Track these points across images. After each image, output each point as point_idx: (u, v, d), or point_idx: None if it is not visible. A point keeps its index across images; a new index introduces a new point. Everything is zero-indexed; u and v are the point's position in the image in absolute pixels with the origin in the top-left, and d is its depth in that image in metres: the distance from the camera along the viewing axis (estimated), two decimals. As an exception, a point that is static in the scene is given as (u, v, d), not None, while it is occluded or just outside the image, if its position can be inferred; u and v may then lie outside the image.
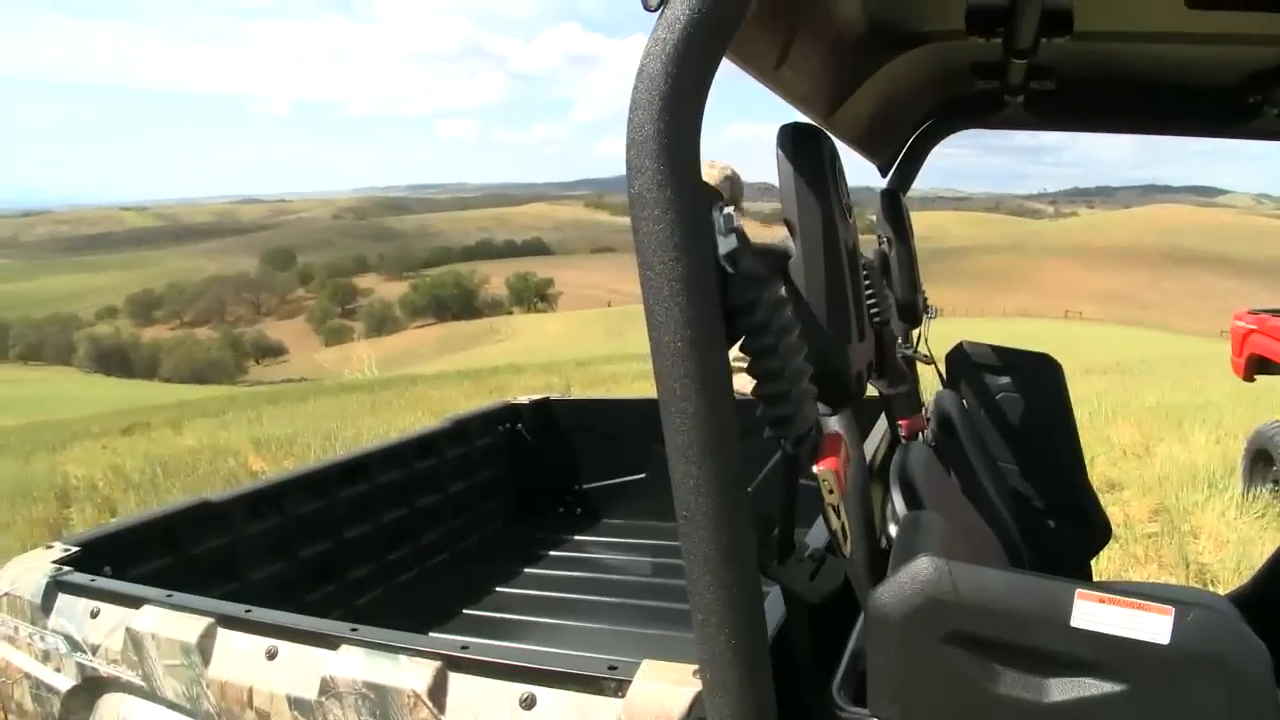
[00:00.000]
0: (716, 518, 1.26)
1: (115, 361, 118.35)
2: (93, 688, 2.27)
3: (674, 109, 1.21)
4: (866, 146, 2.99)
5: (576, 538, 4.00)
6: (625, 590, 3.41)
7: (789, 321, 1.41)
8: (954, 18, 2.10)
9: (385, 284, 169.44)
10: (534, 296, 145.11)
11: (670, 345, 1.23)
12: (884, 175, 3.32)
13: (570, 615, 3.20)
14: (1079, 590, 1.29)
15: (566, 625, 3.12)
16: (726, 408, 1.26)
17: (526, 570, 3.66)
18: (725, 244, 1.31)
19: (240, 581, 2.83)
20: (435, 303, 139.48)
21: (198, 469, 11.20)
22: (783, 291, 1.45)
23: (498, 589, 3.49)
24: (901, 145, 3.34)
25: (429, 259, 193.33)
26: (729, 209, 1.33)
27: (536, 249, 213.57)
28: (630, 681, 1.51)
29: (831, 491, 1.46)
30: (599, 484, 4.24)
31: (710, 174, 4.26)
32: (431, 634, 2.10)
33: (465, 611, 3.28)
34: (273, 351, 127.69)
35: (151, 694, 2.10)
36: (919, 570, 1.36)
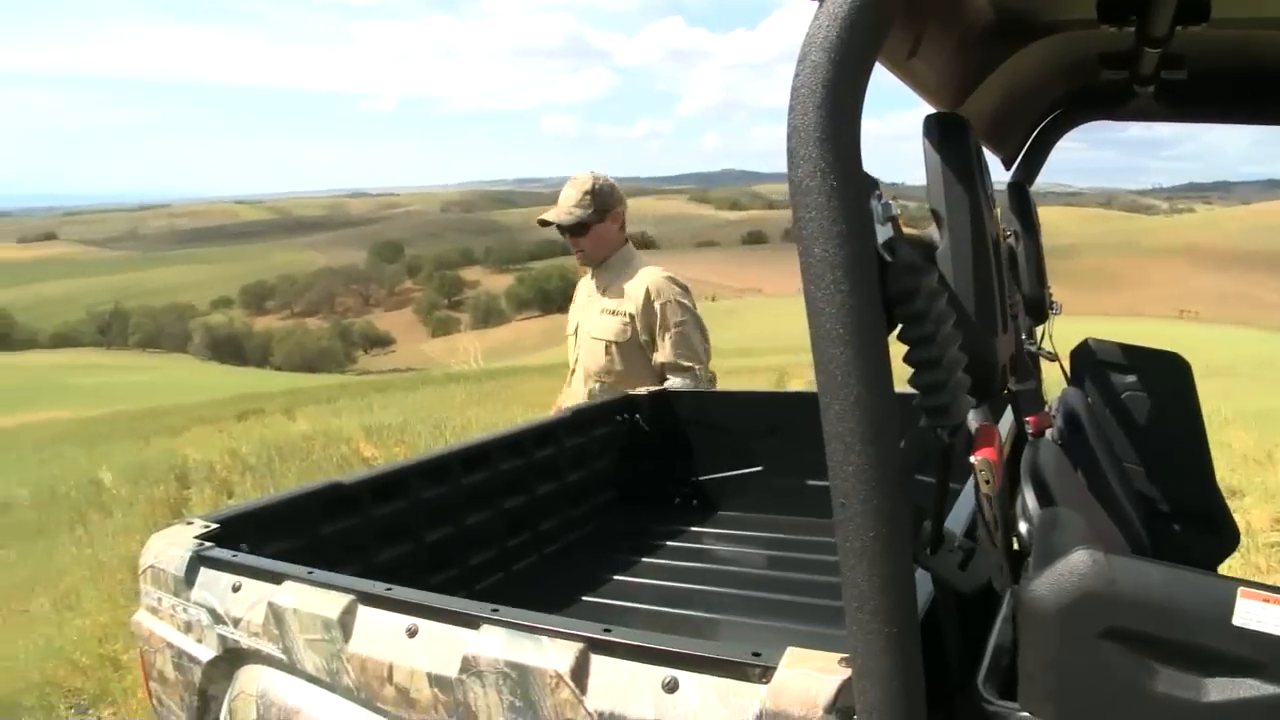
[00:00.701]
0: (874, 506, 1.26)
1: (229, 350, 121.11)
2: (233, 659, 2.33)
3: (836, 97, 1.21)
4: (991, 139, 2.95)
5: (691, 529, 3.99)
6: (741, 583, 3.40)
7: (945, 311, 1.41)
8: (1084, 6, 2.07)
9: (491, 276, 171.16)
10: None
11: (831, 332, 1.23)
12: (1007, 168, 3.28)
13: (687, 606, 3.20)
14: (1241, 588, 1.26)
15: (684, 615, 3.13)
16: (887, 396, 1.26)
17: (643, 560, 3.67)
18: (882, 232, 1.31)
19: (367, 563, 2.89)
20: (540, 295, 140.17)
21: (311, 454, 11.43)
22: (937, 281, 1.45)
23: (615, 578, 3.51)
24: (1026, 137, 3.29)
25: (534, 252, 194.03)
26: (888, 198, 1.33)
27: (640, 243, 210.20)
28: (774, 668, 1.50)
29: (988, 482, 1.45)
30: (714, 476, 4.24)
31: (572, 192, 4.58)
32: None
33: (584, 599, 3.30)
34: (381, 342, 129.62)
35: (291, 667, 2.16)
36: (1076, 563, 1.34)
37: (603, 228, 4.60)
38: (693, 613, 3.13)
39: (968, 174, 1.53)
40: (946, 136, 1.54)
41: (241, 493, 10.41)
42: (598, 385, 4.55)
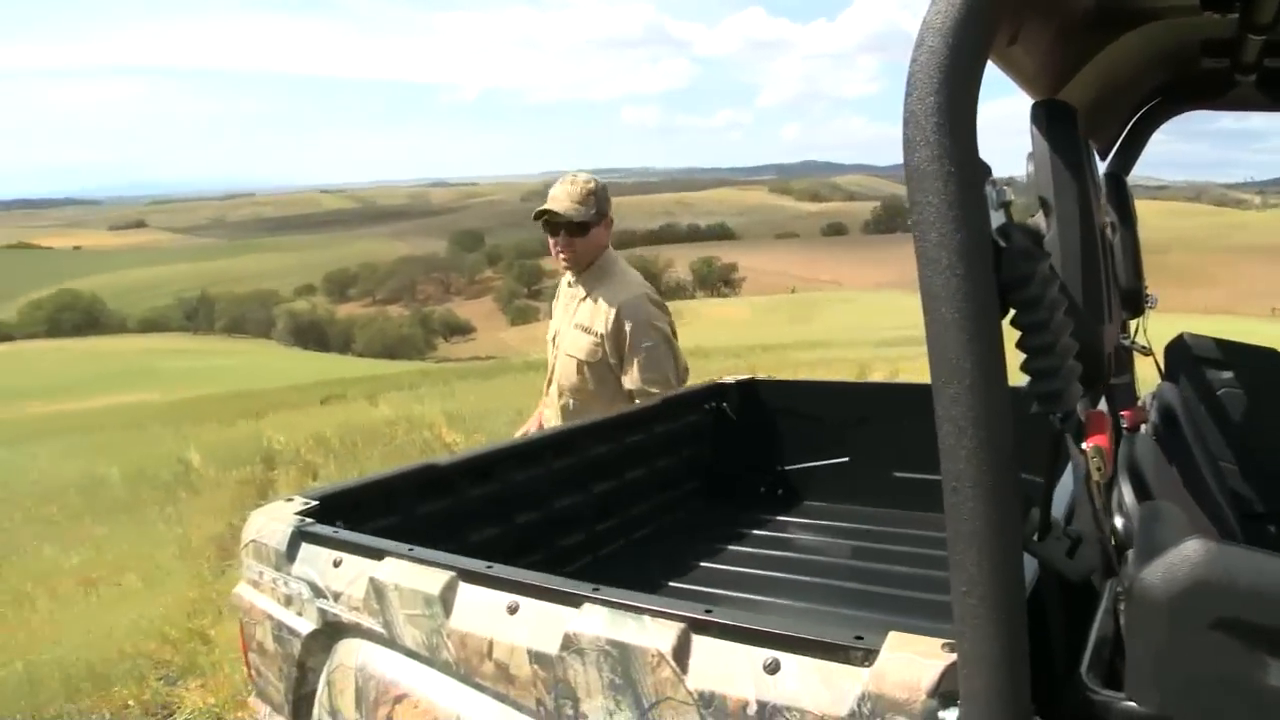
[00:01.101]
0: (986, 490, 1.25)
1: (312, 336, 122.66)
2: (332, 632, 2.38)
3: (954, 82, 1.21)
4: (1088, 128, 2.91)
5: (777, 519, 3.99)
6: (826, 573, 3.39)
7: (1058, 297, 1.40)
8: None
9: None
10: (717, 281, 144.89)
11: (947, 316, 1.23)
12: (1103, 158, 3.23)
13: (772, 595, 3.20)
14: None
15: (770, 604, 3.13)
16: (1001, 380, 1.25)
17: (729, 548, 3.67)
18: (996, 218, 1.31)
19: (458, 543, 2.92)
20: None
21: (394, 439, 11.57)
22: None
23: (702, 564, 3.52)
24: (1123, 127, 3.24)
25: (614, 242, 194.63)
26: (1003, 185, 1.33)
27: (720, 234, 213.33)
28: (877, 652, 1.49)
29: (1100, 469, 1.44)
30: (800, 466, 4.22)
31: (573, 189, 4.24)
32: None
33: (671, 584, 3.32)
34: (461, 330, 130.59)
35: (390, 641, 2.19)
36: (1189, 552, 1.32)
37: (598, 232, 4.32)
38: (778, 600, 3.14)
39: (1076, 162, 1.52)
40: (1055, 124, 1.53)
41: (325, 475, 10.56)
42: (571, 401, 4.29)
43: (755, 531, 3.84)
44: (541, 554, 3.33)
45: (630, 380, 4.13)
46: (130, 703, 5.12)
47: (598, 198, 4.26)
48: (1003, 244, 1.31)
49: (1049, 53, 2.03)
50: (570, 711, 1.82)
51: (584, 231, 4.24)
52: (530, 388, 16.96)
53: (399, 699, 2.16)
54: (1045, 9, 1.83)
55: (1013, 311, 1.37)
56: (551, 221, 4.25)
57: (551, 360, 4.45)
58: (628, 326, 4.11)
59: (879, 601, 3.06)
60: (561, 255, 4.30)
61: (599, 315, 4.17)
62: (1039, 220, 1.59)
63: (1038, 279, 1.35)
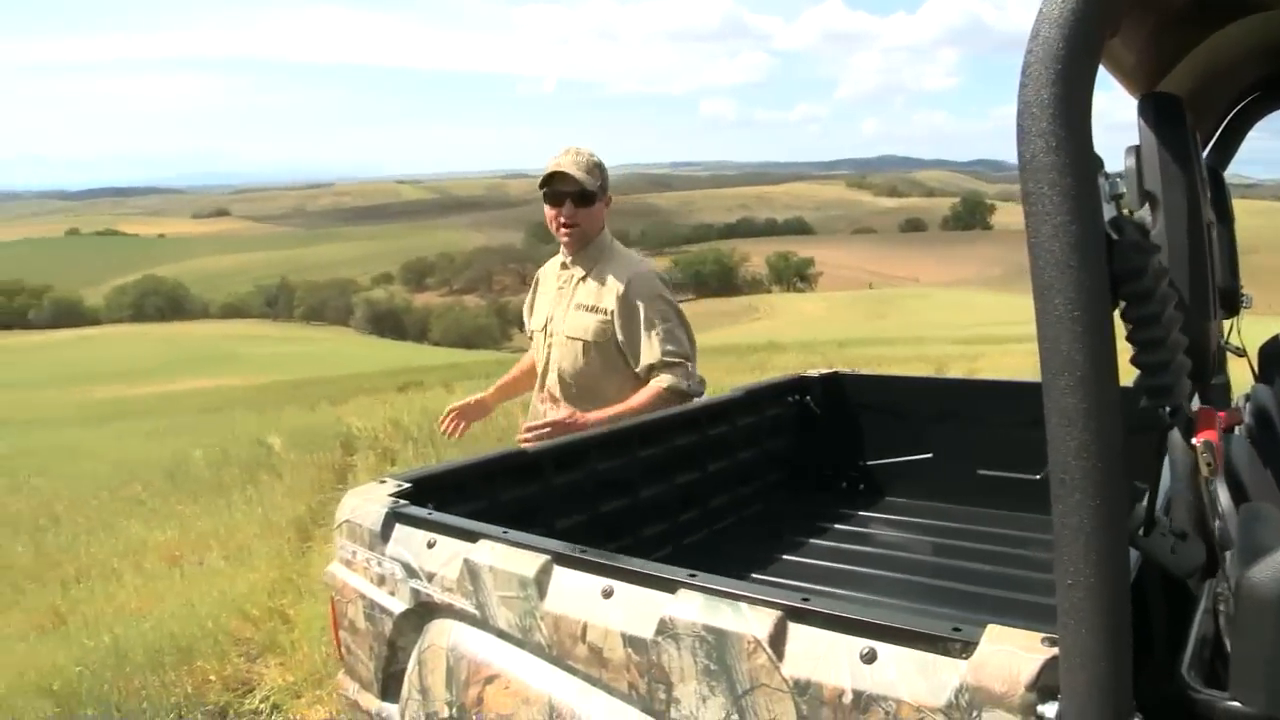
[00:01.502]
0: (1095, 483, 1.24)
1: (389, 324, 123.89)
2: (424, 612, 2.41)
3: (1070, 73, 1.21)
4: None
5: (858, 513, 3.97)
6: (908, 568, 3.37)
7: (1168, 292, 1.39)
8: None
9: (646, 258, 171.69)
10: (793, 276, 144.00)
11: (1059, 309, 1.22)
12: None
13: (855, 589, 3.19)
14: None
15: (853, 598, 3.12)
16: (1112, 373, 1.24)
17: (810, 541, 3.66)
18: (1107, 211, 1.30)
19: (546, 529, 2.95)
20: (695, 279, 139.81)
21: (472, 427, 11.63)
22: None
23: (784, 557, 3.51)
24: (1220, 122, 3.19)
25: (690, 235, 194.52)
26: (1115, 177, 1.32)
27: (797, 228, 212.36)
28: (975, 644, 1.49)
29: (1210, 465, 1.42)
30: (883, 461, 4.20)
31: (579, 158, 4.01)
32: None
33: (753, 576, 3.32)
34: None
35: (483, 622, 2.22)
36: None
37: (600, 208, 4.08)
38: (861, 595, 3.13)
39: (1185, 156, 1.51)
40: (1164, 117, 1.52)
41: (404, 461, 10.67)
42: (575, 388, 4.01)
43: (836, 526, 3.83)
44: (625, 542, 3.34)
45: (649, 355, 3.89)
46: (211, 677, 5.22)
47: (602, 171, 4.07)
48: (1115, 236, 1.31)
49: (1148, 46, 2.01)
50: (663, 696, 1.83)
51: (590, 203, 4.01)
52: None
53: (490, 679, 2.19)
54: (1148, 1, 1.81)
55: (1123, 305, 1.36)
56: (556, 190, 4.01)
57: (543, 350, 4.14)
58: (640, 302, 3.91)
59: (959, 599, 3.04)
60: (564, 227, 4.02)
61: (607, 292, 3.96)
62: (1144, 215, 1.57)
63: (1150, 272, 1.34)
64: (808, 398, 4.31)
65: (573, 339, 3.98)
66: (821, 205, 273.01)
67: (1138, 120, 1.58)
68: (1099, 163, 1.30)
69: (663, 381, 3.84)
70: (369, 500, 2.62)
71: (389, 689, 2.59)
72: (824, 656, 1.63)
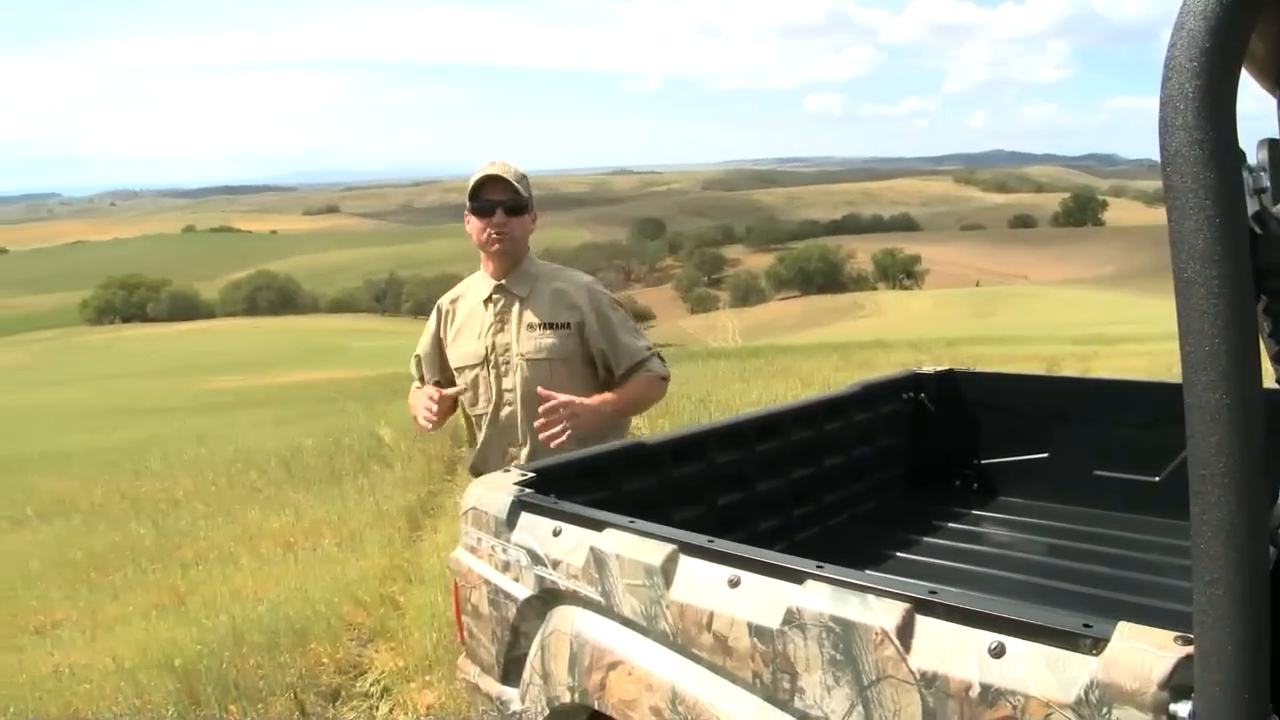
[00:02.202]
0: (1236, 480, 1.23)
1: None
2: (548, 598, 2.47)
3: (1215, 66, 1.20)
4: None
5: (972, 513, 3.93)
6: (1024, 569, 3.33)
7: None
8: None
9: (751, 255, 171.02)
10: (900, 273, 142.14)
11: (1202, 303, 1.22)
12: None
13: (971, 588, 3.18)
14: None
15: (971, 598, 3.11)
16: (1255, 369, 1.24)
17: (924, 540, 3.65)
18: (1250, 205, 1.30)
19: (664, 520, 2.98)
20: (800, 275, 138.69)
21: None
22: None
23: (897, 554, 3.50)
24: None
25: (795, 232, 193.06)
26: (1259, 171, 1.31)
27: (903, 224, 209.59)
28: (1107, 640, 1.49)
29: None
30: (998, 460, 4.16)
31: (508, 167, 3.75)
32: None
33: (868, 573, 3.31)
34: (641, 316, 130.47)
35: (608, 610, 2.26)
36: None
37: (528, 220, 3.83)
38: (975, 595, 3.11)
39: None
40: None
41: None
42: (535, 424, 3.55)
43: (950, 525, 3.81)
44: (738, 535, 3.36)
45: (632, 354, 3.72)
46: (324, 659, 5.32)
47: (529, 186, 3.81)
48: (1259, 231, 1.30)
49: (1281, 39, 1.97)
50: (787, 685, 1.85)
51: (521, 213, 3.76)
52: (714, 375, 17.04)
53: (613, 666, 2.23)
54: None
55: (1264, 299, 1.35)
56: (487, 201, 3.71)
57: (489, 385, 3.76)
58: (606, 309, 3.76)
59: (1076, 602, 3.00)
60: (497, 239, 3.71)
61: (562, 305, 3.73)
62: None
63: None
64: (922, 395, 4.28)
65: (535, 360, 3.69)
66: (928, 201, 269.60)
67: (1278, 112, 1.55)
68: (1242, 156, 1.29)
69: (652, 371, 3.74)
70: (495, 489, 2.68)
71: (510, 673, 2.65)
72: (952, 649, 1.64)
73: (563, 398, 3.46)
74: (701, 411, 11.35)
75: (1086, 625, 1.53)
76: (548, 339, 3.70)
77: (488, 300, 3.79)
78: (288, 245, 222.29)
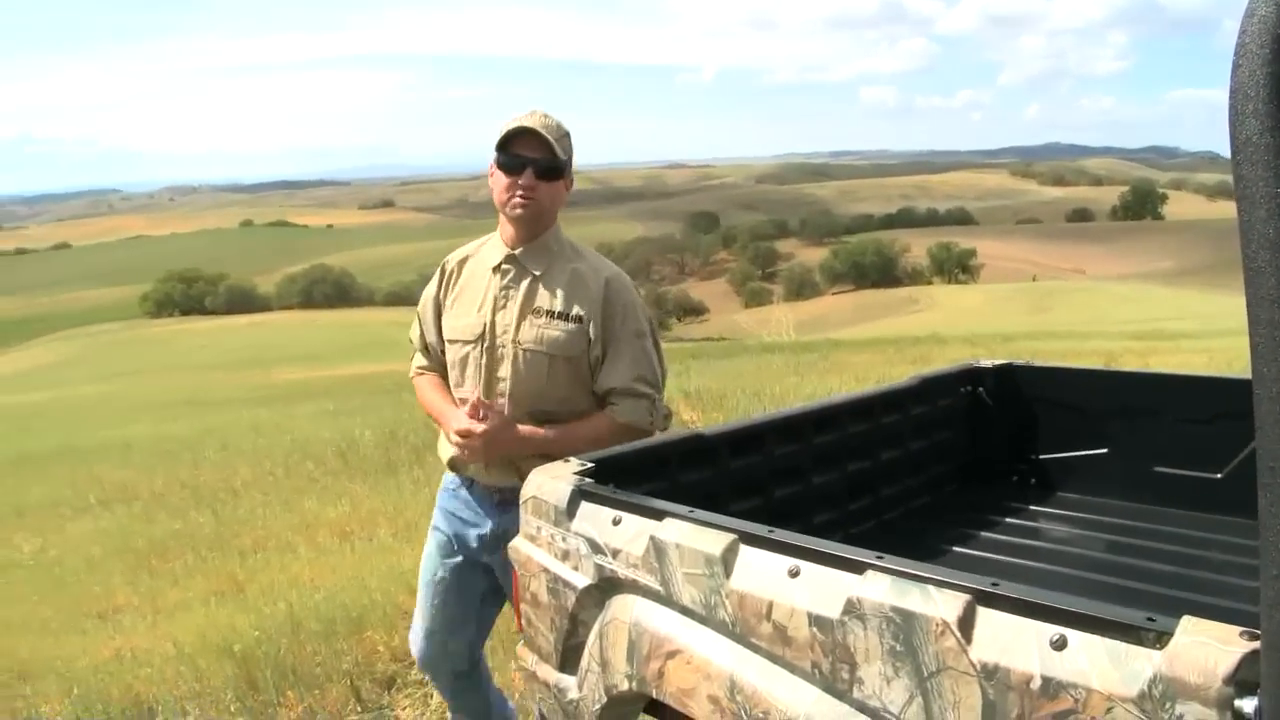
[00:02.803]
0: None
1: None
2: (607, 587, 2.48)
3: None
4: None
5: (1030, 508, 3.90)
6: (1082, 565, 3.29)
7: None
8: None
9: (805, 249, 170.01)
10: (955, 267, 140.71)
11: (1273, 291, 1.21)
12: None
13: (1029, 584, 3.16)
14: None
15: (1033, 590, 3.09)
16: None
17: (980, 535, 3.62)
18: None
19: (721, 511, 2.99)
20: (854, 269, 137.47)
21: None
22: None
23: (954, 549, 3.49)
24: None
25: (849, 226, 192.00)
26: None
27: (959, 218, 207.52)
28: (1170, 634, 1.48)
29: None
30: (1056, 456, 4.12)
31: (550, 122, 3.22)
32: None
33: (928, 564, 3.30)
34: (694, 310, 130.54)
35: (667, 598, 2.28)
36: None
37: (562, 187, 3.32)
38: (1036, 589, 3.09)
39: None
40: None
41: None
42: (530, 415, 3.23)
43: (1007, 520, 3.78)
44: (795, 527, 3.36)
45: (616, 376, 3.23)
46: (380, 647, 5.37)
47: (570, 145, 3.28)
48: None
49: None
50: (846, 675, 1.86)
51: (555, 177, 3.23)
52: (768, 369, 17.03)
53: (672, 654, 2.24)
54: None
55: None
56: (517, 156, 3.17)
57: (478, 365, 3.28)
58: (620, 309, 3.27)
59: (1135, 599, 2.97)
60: (521, 202, 3.19)
61: (577, 295, 3.23)
62: None
63: None
64: (980, 388, 4.24)
65: (535, 353, 3.20)
66: (984, 194, 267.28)
67: None
68: None
69: (621, 414, 3.23)
70: (555, 478, 2.70)
71: (568, 661, 2.67)
72: (1013, 641, 1.64)
73: (490, 416, 3.13)
74: (755, 405, 11.36)
75: (1150, 619, 1.53)
76: (553, 330, 3.20)
77: (497, 268, 3.29)
78: (344, 239, 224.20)
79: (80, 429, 23.07)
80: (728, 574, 2.10)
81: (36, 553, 9.98)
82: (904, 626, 1.76)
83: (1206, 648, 1.44)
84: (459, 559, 3.53)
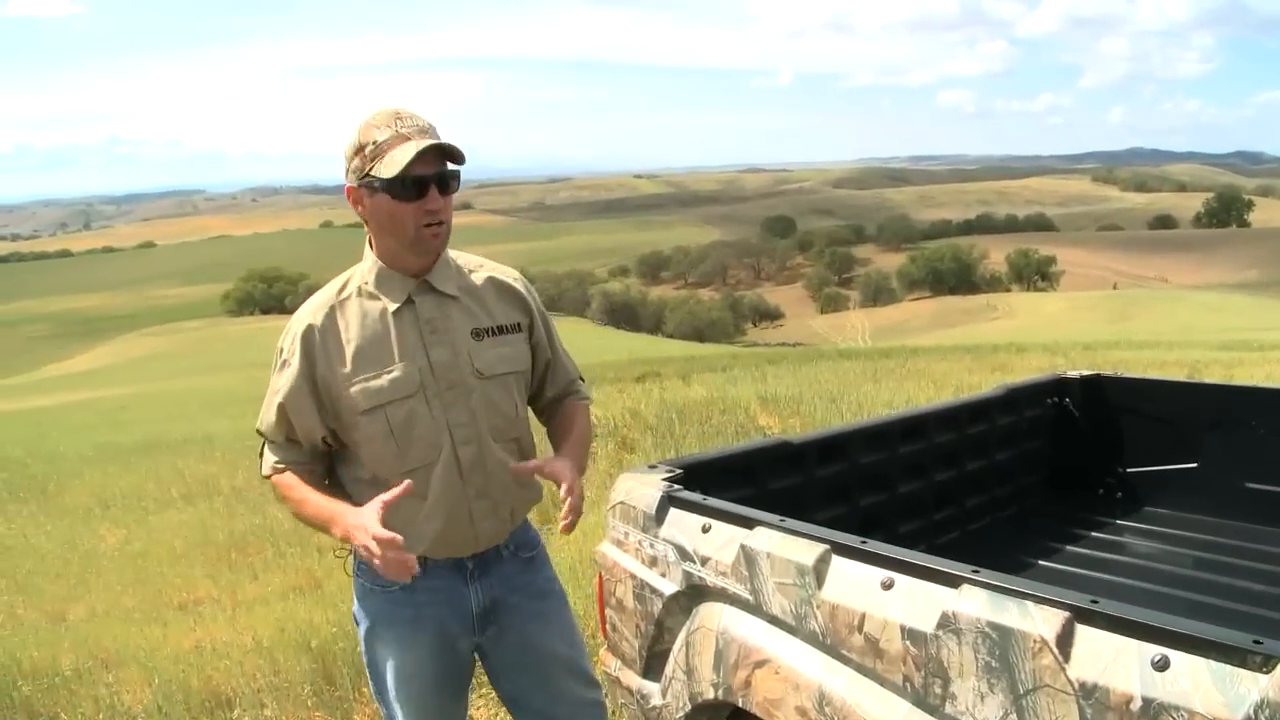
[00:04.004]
0: None
1: (624, 315, 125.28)
2: (695, 595, 2.48)
3: None
4: None
5: (1116, 522, 3.84)
6: (1171, 582, 3.23)
7: None
8: None
9: (882, 254, 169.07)
10: (1034, 274, 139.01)
11: None
12: None
13: (1120, 601, 3.11)
14: None
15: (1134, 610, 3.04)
16: None
17: (1065, 548, 3.58)
18: None
19: (807, 519, 2.98)
20: (932, 275, 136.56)
21: (710, 419, 11.69)
22: None
23: (1039, 563, 3.45)
24: None
25: (927, 231, 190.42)
26: None
27: (1039, 224, 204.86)
28: (1279, 658, 1.45)
29: None
30: (1144, 469, 4.06)
31: (431, 129, 2.61)
32: None
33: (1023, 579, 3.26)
34: (769, 315, 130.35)
35: (756, 608, 2.27)
36: None
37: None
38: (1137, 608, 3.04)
39: None
40: None
41: (642, 450, 10.80)
42: (502, 455, 2.66)
43: (1093, 534, 3.73)
44: (880, 536, 3.35)
45: (568, 368, 2.91)
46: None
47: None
48: None
49: None
50: (939, 690, 1.84)
51: (452, 189, 2.66)
52: (844, 375, 16.93)
53: (760, 664, 2.24)
54: None
55: None
56: (415, 176, 2.53)
57: (430, 428, 2.60)
58: (537, 300, 2.89)
59: (1225, 618, 2.91)
60: (434, 231, 2.60)
61: (505, 301, 2.78)
62: None
63: None
64: (1067, 399, 4.19)
65: (501, 376, 2.68)
66: (1065, 200, 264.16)
67: None
68: None
69: (585, 395, 2.95)
70: (643, 484, 2.70)
71: (652, 667, 2.67)
72: (1113, 661, 1.61)
73: (568, 483, 2.54)
74: (834, 411, 11.27)
75: (1257, 641, 1.50)
76: (505, 347, 2.71)
77: (403, 308, 2.65)
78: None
79: (163, 424, 23.45)
80: (819, 584, 2.09)
81: (121, 544, 10.14)
82: (1000, 642, 1.74)
83: None
84: (445, 656, 2.74)
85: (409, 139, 2.52)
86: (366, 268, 2.70)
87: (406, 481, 2.44)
